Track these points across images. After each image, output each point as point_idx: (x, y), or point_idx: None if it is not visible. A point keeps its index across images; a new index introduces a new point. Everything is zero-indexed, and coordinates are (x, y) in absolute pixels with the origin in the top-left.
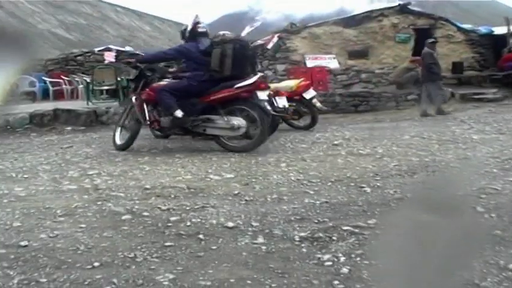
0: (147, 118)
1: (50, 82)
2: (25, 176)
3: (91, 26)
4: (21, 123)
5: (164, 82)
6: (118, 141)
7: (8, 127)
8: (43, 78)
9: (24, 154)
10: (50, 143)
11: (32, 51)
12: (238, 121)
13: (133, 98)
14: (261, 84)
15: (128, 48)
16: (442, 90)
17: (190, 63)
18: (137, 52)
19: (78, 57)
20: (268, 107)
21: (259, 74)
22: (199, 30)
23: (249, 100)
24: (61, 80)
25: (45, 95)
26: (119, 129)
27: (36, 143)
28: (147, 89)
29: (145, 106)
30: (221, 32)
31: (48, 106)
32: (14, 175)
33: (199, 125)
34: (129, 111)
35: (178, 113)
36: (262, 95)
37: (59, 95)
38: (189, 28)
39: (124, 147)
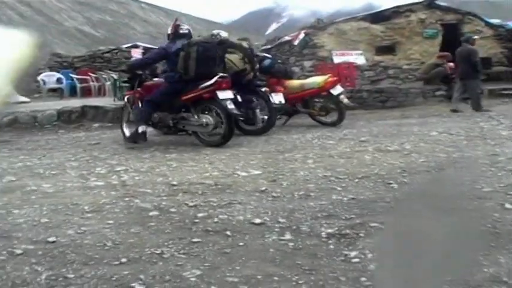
0: None
1: (77, 79)
2: (53, 172)
3: (118, 23)
4: (49, 120)
5: (154, 81)
6: (127, 134)
7: (36, 124)
8: (70, 75)
9: (52, 151)
10: (78, 139)
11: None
12: (207, 119)
13: (126, 98)
14: (222, 84)
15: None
16: (480, 88)
17: (169, 63)
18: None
19: (105, 54)
20: (231, 106)
21: (220, 74)
22: (181, 31)
23: (214, 99)
24: (88, 77)
25: (72, 92)
26: (125, 124)
27: (64, 140)
28: (139, 88)
29: (139, 104)
30: (215, 31)
31: (75, 103)
32: (42, 171)
33: (180, 122)
34: (131, 108)
35: (140, 129)
36: (224, 94)
37: (86, 92)
38: (169, 31)
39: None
